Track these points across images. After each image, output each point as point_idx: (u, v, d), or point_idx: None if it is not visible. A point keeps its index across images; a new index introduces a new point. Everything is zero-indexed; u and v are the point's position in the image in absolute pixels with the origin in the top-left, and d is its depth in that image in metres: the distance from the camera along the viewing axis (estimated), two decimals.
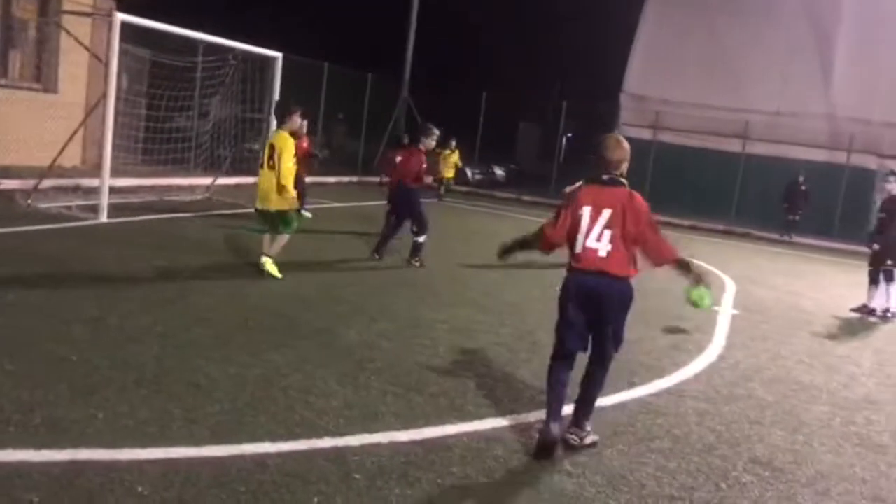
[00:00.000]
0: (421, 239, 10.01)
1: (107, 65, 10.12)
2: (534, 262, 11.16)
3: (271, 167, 7.96)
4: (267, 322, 6.61)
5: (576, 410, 4.78)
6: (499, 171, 29.55)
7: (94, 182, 12.50)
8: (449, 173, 19.81)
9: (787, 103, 24.99)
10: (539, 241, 4.84)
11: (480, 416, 5.00)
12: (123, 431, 4.18)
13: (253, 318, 6.65)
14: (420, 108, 24.26)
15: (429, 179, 10.35)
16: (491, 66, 35.34)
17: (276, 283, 8.07)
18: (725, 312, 9.52)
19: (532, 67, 37.30)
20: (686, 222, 20.73)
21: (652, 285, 10.67)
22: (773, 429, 5.46)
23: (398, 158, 10.76)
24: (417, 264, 9.92)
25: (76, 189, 12.38)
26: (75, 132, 11.38)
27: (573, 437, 4.70)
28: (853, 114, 24.09)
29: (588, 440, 4.72)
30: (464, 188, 23.56)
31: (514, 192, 25.06)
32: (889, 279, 10.30)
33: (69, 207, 10.74)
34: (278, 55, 13.22)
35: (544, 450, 4.48)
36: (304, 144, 12.15)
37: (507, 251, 5.17)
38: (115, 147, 11.87)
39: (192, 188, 14.22)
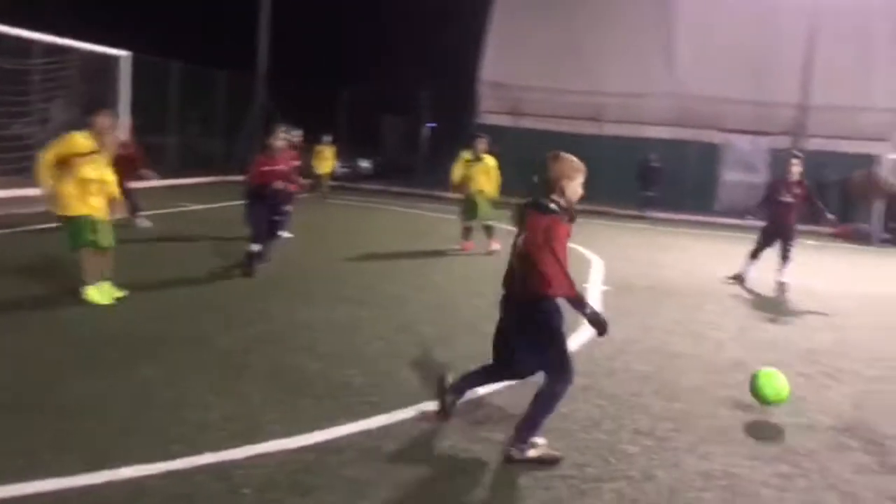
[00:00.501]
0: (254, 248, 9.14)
1: None
2: (410, 255, 11.33)
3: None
4: (136, 335, 6.23)
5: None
6: (364, 164, 29.35)
7: None
8: (325, 169, 19.45)
9: (635, 84, 26.05)
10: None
11: (369, 414, 4.88)
12: None
13: (120, 332, 6.26)
14: (280, 104, 23.67)
15: (280, 184, 9.29)
16: (351, 60, 34.98)
17: (142, 294, 7.62)
18: (595, 289, 9.79)
19: (392, 59, 37.17)
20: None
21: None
22: (652, 399, 5.64)
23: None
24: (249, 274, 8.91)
25: None
26: None
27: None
28: (696, 91, 25.41)
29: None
30: (330, 182, 23.18)
31: (381, 184, 24.93)
32: (786, 257, 10.56)
33: None
34: (124, 54, 12.53)
35: None
36: (129, 150, 11.60)
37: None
38: None
39: (32, 200, 13.25)
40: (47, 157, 7.11)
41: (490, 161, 12.41)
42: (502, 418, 4.97)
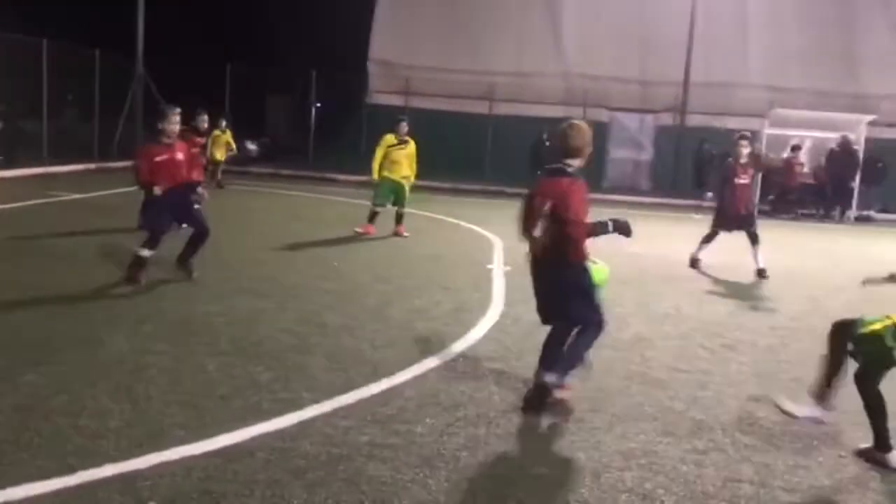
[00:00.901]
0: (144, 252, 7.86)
1: None
2: (309, 242, 10.99)
3: None
4: (17, 338, 5.76)
5: None
6: (251, 146, 28.32)
7: None
8: (222, 155, 18.10)
9: (524, 63, 26.29)
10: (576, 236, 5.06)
11: (279, 413, 4.67)
12: None
13: None
14: (160, 85, 22.64)
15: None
16: (233, 37, 33.86)
17: (21, 293, 7.08)
18: (498, 270, 9.79)
19: (276, 37, 36.22)
20: (446, 185, 21.23)
21: (424, 251, 10.93)
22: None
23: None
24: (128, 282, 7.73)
25: None
26: None
27: None
28: (583, 70, 25.89)
29: None
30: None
31: (270, 167, 24.22)
32: (755, 241, 10.58)
33: None
34: None
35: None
36: None
37: None
38: None
39: None
40: None
41: (412, 145, 12.16)
42: (418, 408, 4.86)
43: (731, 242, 10.98)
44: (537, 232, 5.03)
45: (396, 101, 26.57)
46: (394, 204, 12.01)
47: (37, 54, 17.15)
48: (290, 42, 37.60)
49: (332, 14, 30.67)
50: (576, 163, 5.17)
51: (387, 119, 25.52)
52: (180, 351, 5.72)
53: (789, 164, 20.23)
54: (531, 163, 22.47)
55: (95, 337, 5.92)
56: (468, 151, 24.35)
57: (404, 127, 12.07)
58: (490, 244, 12.00)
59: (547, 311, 5.24)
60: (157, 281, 7.89)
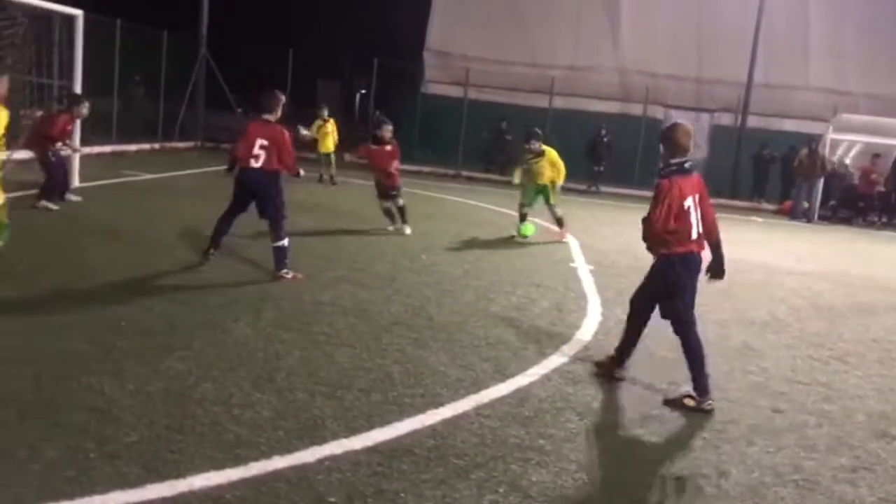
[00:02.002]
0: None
1: None
2: (387, 233, 10.96)
3: None
4: (142, 322, 5.83)
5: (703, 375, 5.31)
6: (304, 132, 28.46)
7: None
8: (330, 147, 16.54)
9: (580, 58, 26.12)
10: (648, 232, 5.24)
11: (422, 409, 4.69)
12: (33, 481, 3.47)
13: (122, 318, 5.86)
14: (222, 68, 22.80)
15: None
16: (289, 22, 34.01)
17: (122, 275, 7.18)
18: (583, 268, 9.76)
19: (328, 23, 36.30)
20: (506, 178, 21.12)
21: (503, 247, 10.87)
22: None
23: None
24: (289, 276, 7.65)
25: None
26: None
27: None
28: (640, 66, 25.68)
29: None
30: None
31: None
32: None
33: None
34: (78, 12, 11.75)
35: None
36: (64, 124, 10.44)
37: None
38: None
39: None
40: None
41: (550, 153, 11.71)
42: (555, 412, 4.86)
43: (814, 247, 10.87)
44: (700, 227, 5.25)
45: (451, 91, 26.53)
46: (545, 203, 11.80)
47: (109, 34, 17.31)
48: (339, 28, 37.72)
49: (391, 1, 30.58)
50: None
51: (441, 108, 25.83)
52: (305, 340, 5.77)
53: (866, 172, 19.91)
54: (589, 157, 22.40)
55: (217, 323, 5.99)
56: (506, 143, 23.90)
57: (534, 144, 11.55)
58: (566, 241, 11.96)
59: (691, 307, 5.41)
60: (255, 267, 7.96)
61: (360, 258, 9.05)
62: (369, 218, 11.67)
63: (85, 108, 10.56)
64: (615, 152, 22.58)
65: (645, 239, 5.30)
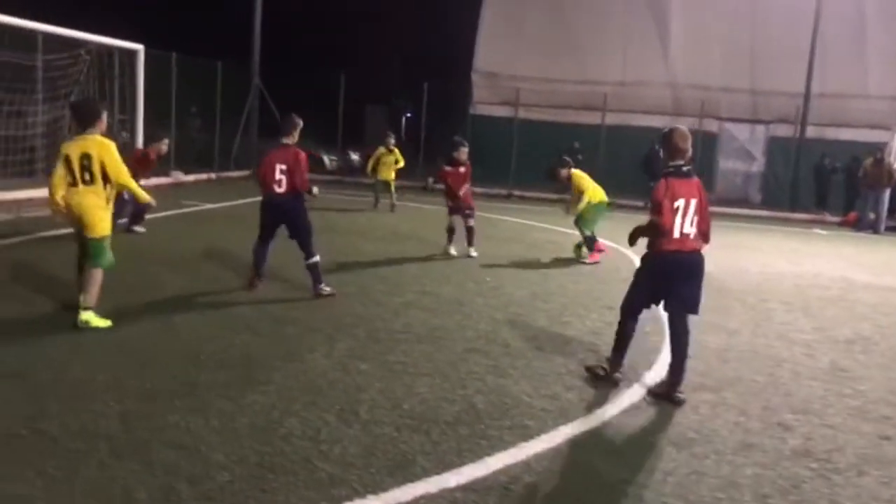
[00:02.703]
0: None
1: None
2: (446, 256, 10.87)
3: (88, 182, 6.37)
4: (220, 355, 5.79)
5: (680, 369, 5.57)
6: (354, 157, 28.70)
7: None
8: (390, 175, 16.32)
9: (630, 73, 25.89)
10: (657, 230, 5.46)
11: (511, 442, 4.54)
12: None
13: (201, 351, 5.82)
14: (274, 95, 23.07)
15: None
16: (338, 48, 34.43)
17: (204, 304, 7.17)
18: None
19: (375, 48, 36.69)
20: (553, 196, 20.95)
21: (565, 267, 10.65)
22: (786, 414, 5.36)
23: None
24: (327, 291, 7.92)
25: None
26: None
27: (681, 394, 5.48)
28: (691, 80, 25.32)
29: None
30: (324, 177, 22.56)
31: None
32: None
33: None
34: (139, 47, 11.96)
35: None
36: (148, 154, 11.00)
37: (633, 238, 5.80)
38: None
39: (46, 200, 12.60)
40: (124, 172, 6.51)
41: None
42: (661, 445, 4.67)
43: (887, 260, 10.47)
44: (692, 227, 5.42)
45: (500, 111, 26.51)
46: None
47: (166, 67, 17.63)
48: (386, 53, 38.10)
49: (437, 25, 30.77)
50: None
51: (489, 129, 25.76)
52: (383, 371, 5.66)
53: None
54: (645, 173, 22.08)
55: (294, 353, 5.92)
56: (577, 162, 23.71)
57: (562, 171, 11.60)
58: (627, 258, 11.70)
59: (693, 299, 5.57)
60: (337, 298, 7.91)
61: (425, 282, 8.95)
62: (430, 241, 11.60)
63: (165, 145, 10.80)
64: None
65: (654, 231, 5.50)
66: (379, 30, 36.99)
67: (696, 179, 5.51)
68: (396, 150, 16.38)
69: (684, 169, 5.49)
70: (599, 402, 5.34)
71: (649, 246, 5.62)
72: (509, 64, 26.58)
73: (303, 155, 7.88)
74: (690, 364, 6.26)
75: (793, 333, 7.69)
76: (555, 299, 8.55)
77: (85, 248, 6.53)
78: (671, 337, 5.65)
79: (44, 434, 4.23)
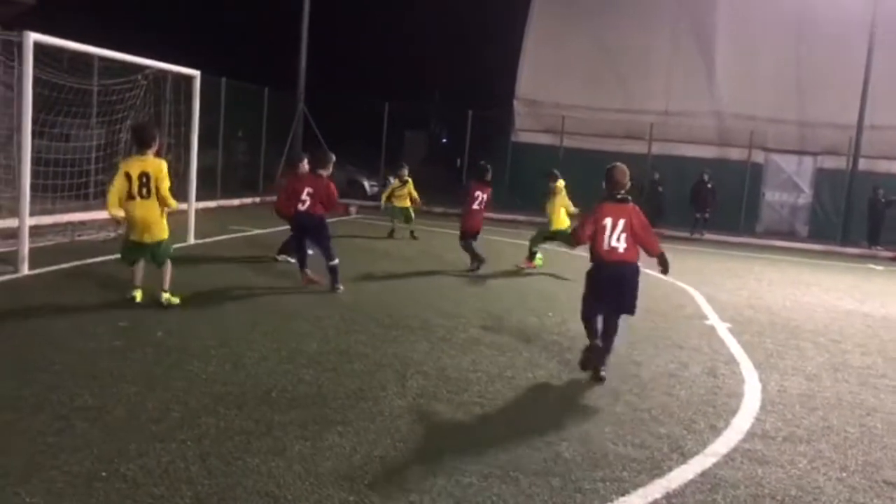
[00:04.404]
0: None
1: (19, 94, 8.63)
2: (498, 286, 10.59)
3: (146, 196, 7.58)
4: (292, 392, 5.61)
5: (604, 351, 6.65)
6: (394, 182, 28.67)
7: None
8: (406, 203, 16.01)
9: (675, 102, 25.64)
10: (572, 239, 7.14)
11: (608, 497, 4.30)
12: None
13: (272, 387, 5.65)
14: (318, 121, 23.16)
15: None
16: (375, 76, 34.65)
17: (269, 336, 7.02)
18: (719, 327, 9.23)
19: (414, 76, 36.85)
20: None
21: (643, 305, 10.25)
22: (890, 470, 5.05)
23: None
24: (341, 288, 9.42)
25: None
26: None
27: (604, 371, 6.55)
28: (737, 110, 25.00)
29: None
30: (366, 203, 22.46)
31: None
32: None
33: None
34: (195, 73, 11.98)
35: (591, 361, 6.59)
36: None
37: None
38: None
39: (98, 224, 12.62)
40: (168, 190, 7.71)
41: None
42: (753, 499, 4.40)
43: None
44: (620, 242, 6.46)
45: (542, 139, 26.36)
46: None
47: (215, 91, 17.73)
48: (424, 80, 38.27)
49: (479, 54, 30.84)
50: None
51: (531, 157, 25.56)
52: (460, 413, 5.45)
53: None
54: (691, 203, 21.76)
55: (366, 392, 5.73)
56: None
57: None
58: (686, 294, 11.44)
59: (618, 303, 6.59)
60: (387, 328, 7.74)
61: (486, 316, 8.73)
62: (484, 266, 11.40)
63: (305, 164, 10.87)
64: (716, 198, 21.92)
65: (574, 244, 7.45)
66: (420, 58, 37.16)
67: (630, 205, 6.57)
68: (410, 182, 16.06)
69: (618, 197, 6.57)
70: (691, 451, 5.08)
71: (590, 259, 6.69)
72: (551, 92, 26.49)
73: (332, 185, 9.47)
74: (778, 411, 6.06)
75: (875, 379, 7.35)
76: (622, 336, 8.27)
77: (150, 251, 7.81)
78: (604, 331, 6.64)
79: (124, 477, 4.06)
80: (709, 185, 21.54)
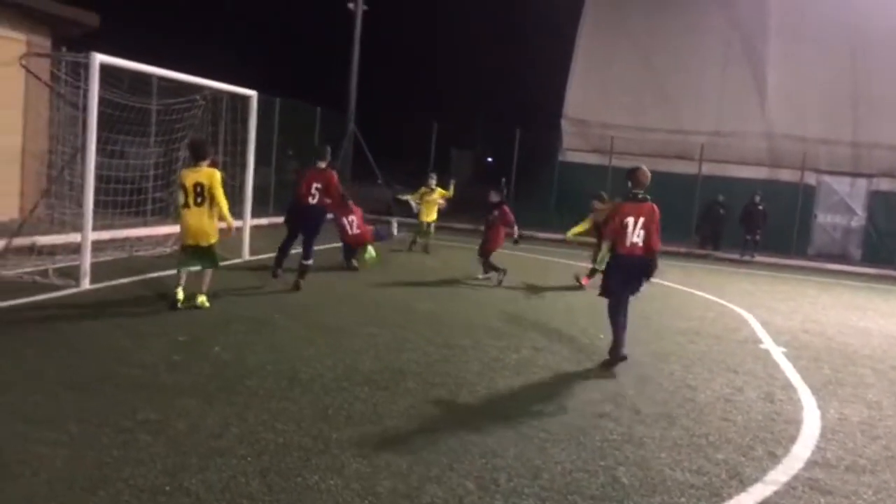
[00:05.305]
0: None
1: (85, 111, 8.91)
2: (548, 308, 10.53)
3: (199, 204, 8.24)
4: (349, 409, 5.64)
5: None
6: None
7: (52, 240, 11.19)
8: (431, 217, 16.23)
9: (725, 123, 25.36)
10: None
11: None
12: None
13: (329, 404, 5.70)
14: (369, 140, 23.41)
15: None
16: (423, 95, 34.96)
17: (323, 353, 7.09)
18: (774, 351, 9.07)
19: (463, 95, 37.08)
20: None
21: (678, 324, 10.05)
22: None
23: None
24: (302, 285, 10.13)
25: (34, 249, 10.92)
26: (47, 192, 10.09)
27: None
28: (789, 131, 24.64)
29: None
30: (412, 220, 22.51)
31: (468, 222, 24.19)
32: None
33: (45, 274, 9.38)
34: (252, 93, 12.22)
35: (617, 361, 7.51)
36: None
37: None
38: (59, 198, 10.78)
39: (155, 240, 12.90)
40: (223, 198, 8.35)
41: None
42: None
43: None
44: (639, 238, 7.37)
45: (590, 159, 26.23)
46: None
47: (269, 111, 18.03)
48: (477, 98, 38.49)
49: (527, 73, 30.93)
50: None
51: (578, 176, 25.46)
52: (515, 434, 5.42)
53: None
54: (742, 225, 21.44)
55: (419, 409, 5.75)
56: (671, 211, 23.02)
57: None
58: (740, 317, 11.28)
59: (633, 287, 7.66)
60: (439, 347, 7.76)
61: (537, 336, 8.72)
62: (523, 284, 11.37)
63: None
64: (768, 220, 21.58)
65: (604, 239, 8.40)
66: (468, 77, 37.40)
67: (647, 204, 7.38)
68: (438, 189, 16.36)
69: (639, 196, 7.41)
70: (750, 479, 4.99)
71: (611, 252, 7.63)
72: (599, 111, 26.42)
73: (335, 176, 10.28)
74: (839, 440, 5.94)
75: None
76: (675, 360, 8.20)
77: (200, 253, 8.42)
78: (622, 315, 7.57)
79: (187, 491, 4.13)
80: (760, 207, 21.20)
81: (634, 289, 7.67)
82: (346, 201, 12.03)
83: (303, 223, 10.24)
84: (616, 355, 7.50)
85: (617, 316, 7.57)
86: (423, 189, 16.56)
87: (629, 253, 7.37)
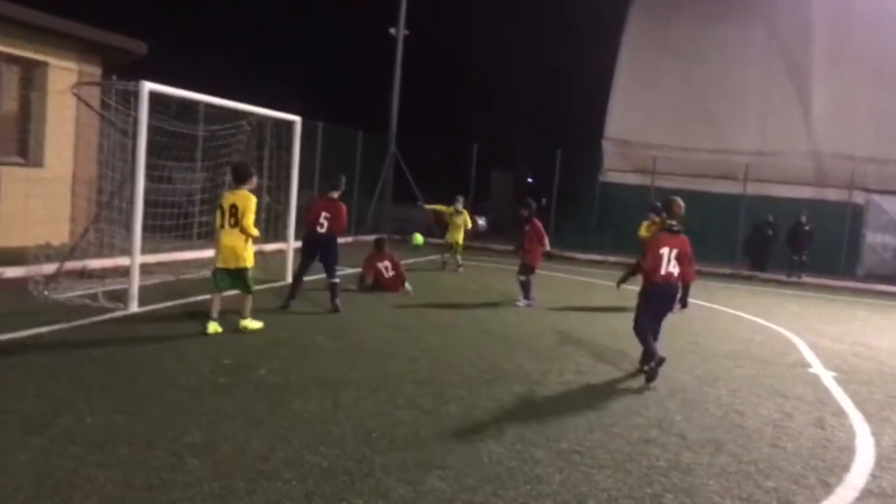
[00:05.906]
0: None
1: (135, 138, 9.12)
2: (593, 332, 10.43)
3: (234, 226, 8.35)
4: (392, 433, 5.64)
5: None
6: (480, 221, 28.87)
7: (101, 264, 11.42)
8: (458, 238, 16.72)
9: (769, 142, 25.06)
10: (640, 270, 8.16)
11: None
12: None
13: (372, 428, 5.71)
14: (409, 163, 23.58)
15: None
16: (463, 117, 35.12)
17: (367, 376, 7.11)
18: (823, 375, 8.87)
19: (502, 117, 37.19)
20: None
21: (723, 347, 9.83)
22: None
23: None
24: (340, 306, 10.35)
25: (84, 273, 11.15)
26: (97, 217, 10.41)
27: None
28: (836, 149, 24.24)
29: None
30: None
31: (506, 243, 24.16)
32: None
33: (94, 297, 9.58)
34: (296, 118, 12.39)
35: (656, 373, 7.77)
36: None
37: (622, 280, 9.13)
38: (108, 222, 11.00)
39: (201, 263, 13.08)
40: (252, 221, 8.41)
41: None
42: None
43: None
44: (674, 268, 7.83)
45: (631, 179, 26.09)
46: None
47: (312, 135, 18.27)
48: (516, 120, 38.55)
49: (567, 95, 30.93)
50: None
51: (620, 196, 25.31)
52: (559, 460, 5.38)
53: None
54: (788, 245, 21.07)
55: (464, 435, 5.73)
56: (715, 232, 22.75)
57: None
58: (787, 340, 11.07)
59: (666, 311, 8.10)
60: (482, 371, 7.74)
61: (579, 359, 8.65)
62: (565, 306, 11.28)
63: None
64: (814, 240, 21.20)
65: (642, 270, 8.12)
66: (507, 99, 37.51)
67: (682, 236, 7.87)
68: (465, 213, 16.89)
69: (674, 229, 7.88)
70: None
71: (644, 280, 8.06)
72: (641, 131, 26.31)
73: (343, 207, 10.42)
74: (894, 468, 5.78)
75: None
76: (722, 384, 8.07)
77: (235, 278, 8.53)
78: (653, 336, 7.99)
79: None
80: (806, 227, 20.84)
81: (668, 312, 8.09)
82: (381, 248, 12.77)
83: (319, 252, 10.39)
84: (653, 365, 7.70)
85: (646, 336, 7.94)
86: (451, 208, 17.03)
87: (665, 281, 7.84)
